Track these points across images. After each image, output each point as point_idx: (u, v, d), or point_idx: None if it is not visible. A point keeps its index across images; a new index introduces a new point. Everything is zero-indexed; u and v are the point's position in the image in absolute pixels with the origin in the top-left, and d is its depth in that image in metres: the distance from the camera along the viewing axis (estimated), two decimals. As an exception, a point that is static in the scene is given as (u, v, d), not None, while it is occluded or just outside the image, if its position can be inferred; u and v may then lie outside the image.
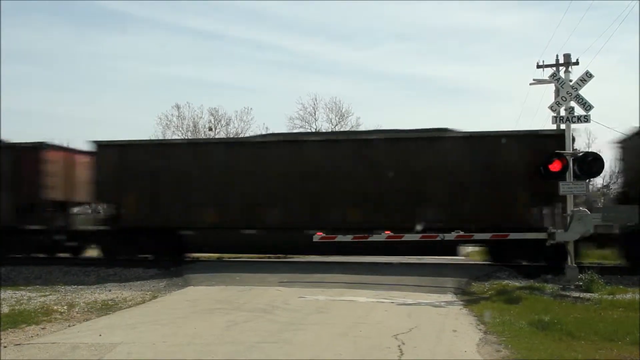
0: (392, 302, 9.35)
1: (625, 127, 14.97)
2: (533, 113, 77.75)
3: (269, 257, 18.91)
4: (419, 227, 13.77)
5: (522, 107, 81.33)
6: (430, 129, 15.68)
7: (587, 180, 12.70)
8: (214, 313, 8.45)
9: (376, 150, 15.39)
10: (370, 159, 15.29)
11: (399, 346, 6.26)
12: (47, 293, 11.05)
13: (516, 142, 14.66)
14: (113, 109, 68.49)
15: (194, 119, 43.35)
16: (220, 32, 75.57)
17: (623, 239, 14.04)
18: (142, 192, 16.17)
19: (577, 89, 11.79)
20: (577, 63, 25.09)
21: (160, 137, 38.43)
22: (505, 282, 12.09)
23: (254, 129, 42.11)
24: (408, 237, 12.72)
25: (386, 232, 12.64)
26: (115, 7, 76.19)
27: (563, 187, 11.56)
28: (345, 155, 15.50)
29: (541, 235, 11.90)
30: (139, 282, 12.79)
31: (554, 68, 26.68)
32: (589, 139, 38.04)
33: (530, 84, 28.26)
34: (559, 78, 12.77)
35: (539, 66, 28.02)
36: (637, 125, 14.69)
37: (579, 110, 11.86)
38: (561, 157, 11.54)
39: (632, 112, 57.45)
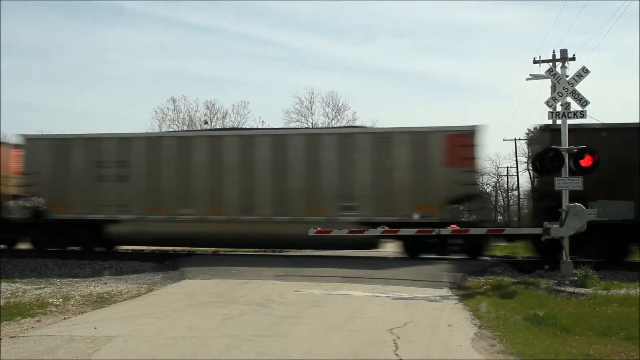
0: (388, 297, 9.38)
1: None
2: (529, 108, 77.84)
3: (265, 251, 18.95)
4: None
5: (518, 103, 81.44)
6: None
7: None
8: (209, 306, 8.45)
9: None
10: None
11: (394, 340, 6.27)
12: (42, 286, 11.03)
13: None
14: (111, 102, 68.38)
15: (189, 112, 43.30)
16: (219, 26, 75.36)
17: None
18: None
19: (573, 85, 11.79)
20: (573, 59, 25.12)
21: (157, 131, 38.36)
22: (501, 277, 12.14)
23: (250, 123, 42.26)
24: (404, 232, 12.84)
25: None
26: (112, 2, 75.86)
27: (559, 183, 11.56)
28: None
29: (536, 231, 11.97)
30: (134, 275, 12.80)
31: (551, 63, 26.67)
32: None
33: (527, 79, 28.23)
34: (556, 73, 12.77)
35: (535, 61, 28.02)
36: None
37: (575, 106, 11.87)
38: (557, 152, 11.55)
39: (631, 109, 57.58)
